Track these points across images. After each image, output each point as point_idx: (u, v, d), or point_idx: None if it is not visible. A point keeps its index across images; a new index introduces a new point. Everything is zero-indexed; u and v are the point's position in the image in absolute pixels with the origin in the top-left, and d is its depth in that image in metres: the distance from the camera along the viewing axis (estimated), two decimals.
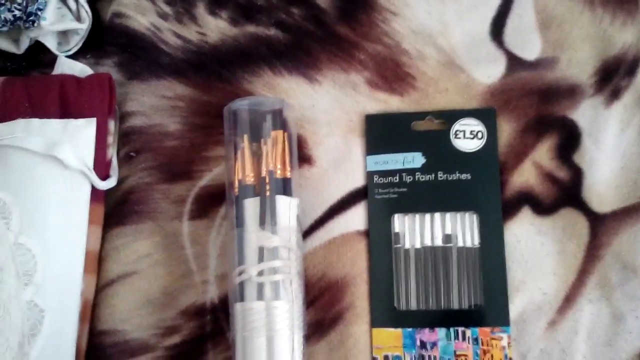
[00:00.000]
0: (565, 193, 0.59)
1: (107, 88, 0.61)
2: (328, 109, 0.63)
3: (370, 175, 0.61)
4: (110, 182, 0.61)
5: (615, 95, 0.61)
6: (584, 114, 0.61)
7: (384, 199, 0.60)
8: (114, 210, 0.62)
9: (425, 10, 0.65)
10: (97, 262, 0.60)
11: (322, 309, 0.59)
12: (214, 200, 0.61)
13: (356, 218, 0.61)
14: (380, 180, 0.61)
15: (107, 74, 0.62)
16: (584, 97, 0.61)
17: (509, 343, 0.56)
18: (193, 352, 0.58)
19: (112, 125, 0.62)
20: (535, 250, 0.58)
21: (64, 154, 0.57)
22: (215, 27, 0.66)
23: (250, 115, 0.58)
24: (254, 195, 0.56)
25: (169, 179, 0.62)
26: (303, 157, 0.62)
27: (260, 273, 0.54)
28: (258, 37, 0.65)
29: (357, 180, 0.62)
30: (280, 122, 0.58)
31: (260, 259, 0.54)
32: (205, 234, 0.61)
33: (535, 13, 0.64)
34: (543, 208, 0.59)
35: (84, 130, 0.59)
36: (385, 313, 0.58)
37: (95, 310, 0.59)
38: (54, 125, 0.59)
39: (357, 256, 0.60)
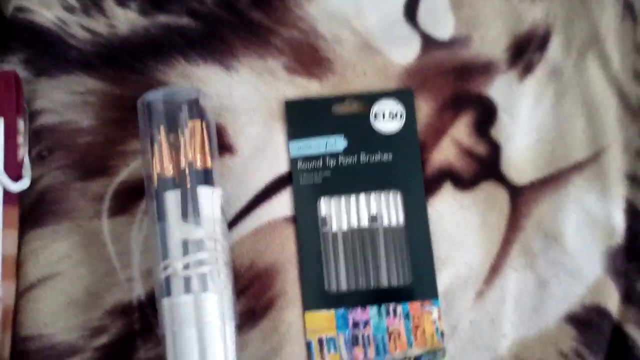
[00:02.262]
0: (484, 167, 0.61)
1: (13, 86, 0.59)
2: (247, 96, 0.62)
3: (293, 161, 0.61)
4: (23, 184, 0.58)
5: (528, 69, 0.63)
6: (499, 89, 0.62)
7: (308, 184, 0.60)
8: (29, 212, 0.59)
9: None
10: (16, 266, 0.58)
11: (253, 298, 0.58)
12: (133, 196, 0.60)
13: (282, 205, 0.60)
14: (304, 165, 0.60)
15: (12, 72, 0.60)
16: (498, 73, 0.63)
17: (439, 316, 0.57)
18: (123, 351, 0.57)
19: (21, 124, 0.60)
20: (459, 224, 0.59)
21: None
22: (124, 18, 0.64)
23: (165, 107, 0.56)
24: (174, 188, 0.54)
25: (84, 176, 0.60)
26: (224, 146, 0.61)
27: (186, 266, 0.53)
28: (170, 27, 0.64)
29: (281, 167, 0.61)
30: (197, 111, 0.57)
31: (185, 252, 0.53)
32: (127, 231, 0.59)
33: None
34: (464, 183, 0.60)
35: None
36: (317, 296, 0.58)
37: (17, 317, 0.57)
38: None
39: (286, 242, 0.59)
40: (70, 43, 0.63)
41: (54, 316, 0.57)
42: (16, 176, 0.58)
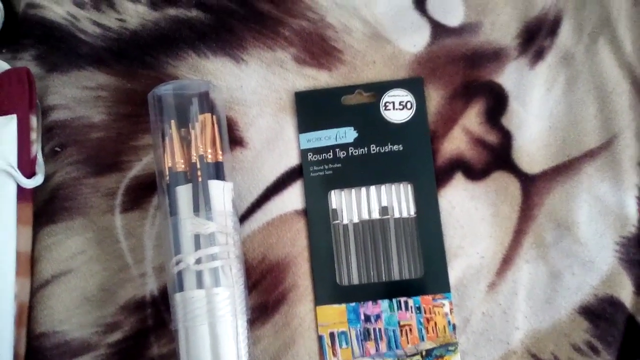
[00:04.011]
0: (495, 156, 0.60)
1: (26, 82, 0.59)
2: (256, 88, 0.62)
3: (304, 153, 0.60)
4: (37, 180, 0.59)
5: (539, 55, 0.62)
6: (510, 76, 0.62)
7: (319, 176, 0.60)
8: (43, 209, 0.60)
9: None
10: (30, 263, 0.58)
11: (264, 292, 0.58)
12: (145, 191, 0.60)
13: (293, 197, 0.60)
14: (315, 157, 0.60)
15: (24, 68, 0.60)
16: (509, 60, 0.62)
17: (451, 309, 0.57)
18: (137, 347, 0.57)
19: (34, 120, 0.60)
20: (470, 215, 0.59)
21: None
22: (134, 13, 0.64)
23: (176, 100, 0.56)
24: (185, 182, 0.54)
25: (97, 172, 0.60)
26: (234, 140, 0.61)
27: (198, 261, 0.53)
28: (179, 20, 0.64)
29: (291, 159, 0.61)
30: (208, 105, 0.57)
31: (197, 246, 0.53)
32: (140, 226, 0.59)
33: None
34: (475, 173, 0.60)
35: (4, 127, 0.57)
36: (328, 290, 0.58)
37: (31, 313, 0.58)
38: None
39: (297, 236, 0.59)
40: (81, 38, 0.63)
41: (68, 313, 0.58)
42: (30, 173, 0.58)
